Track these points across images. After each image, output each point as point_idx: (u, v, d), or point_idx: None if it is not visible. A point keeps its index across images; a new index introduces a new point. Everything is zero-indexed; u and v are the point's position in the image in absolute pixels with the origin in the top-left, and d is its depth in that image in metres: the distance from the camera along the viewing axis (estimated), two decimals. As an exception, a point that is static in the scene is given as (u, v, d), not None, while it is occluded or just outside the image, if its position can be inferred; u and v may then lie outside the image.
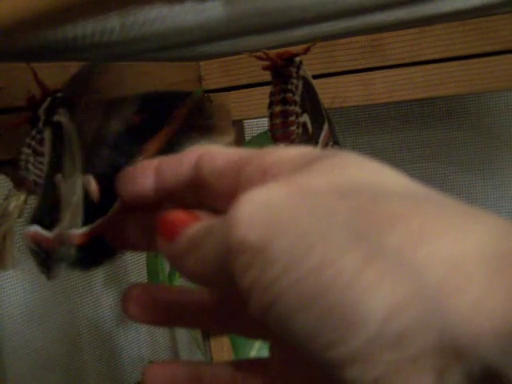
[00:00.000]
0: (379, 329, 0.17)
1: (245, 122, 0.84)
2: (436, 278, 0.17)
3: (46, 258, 0.45)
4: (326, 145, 0.64)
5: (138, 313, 0.26)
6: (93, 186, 0.47)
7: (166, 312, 0.27)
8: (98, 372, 0.79)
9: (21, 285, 0.68)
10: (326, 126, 0.65)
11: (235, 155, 0.24)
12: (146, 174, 0.26)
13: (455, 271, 0.17)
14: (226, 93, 0.77)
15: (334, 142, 0.67)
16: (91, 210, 0.46)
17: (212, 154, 0.24)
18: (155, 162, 0.26)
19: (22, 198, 0.50)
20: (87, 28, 0.44)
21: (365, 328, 0.17)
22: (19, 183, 0.49)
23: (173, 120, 0.46)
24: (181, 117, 0.46)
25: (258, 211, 0.19)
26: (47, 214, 0.45)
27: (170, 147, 0.46)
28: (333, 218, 0.18)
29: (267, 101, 0.61)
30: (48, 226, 0.45)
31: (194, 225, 0.23)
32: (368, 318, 0.17)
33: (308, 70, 0.62)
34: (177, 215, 0.24)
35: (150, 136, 0.46)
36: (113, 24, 0.45)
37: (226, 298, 0.27)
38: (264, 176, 0.22)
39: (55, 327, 0.73)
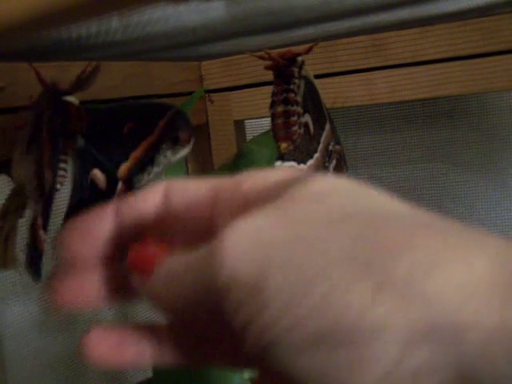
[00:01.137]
0: (394, 365, 0.16)
1: (246, 121, 0.84)
2: (451, 309, 0.16)
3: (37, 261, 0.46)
4: (327, 145, 0.64)
5: (104, 355, 0.23)
6: (100, 177, 0.49)
7: (137, 351, 0.24)
8: (100, 372, 0.79)
9: (23, 286, 0.68)
10: (327, 126, 0.64)
11: (206, 185, 0.22)
12: (105, 219, 0.24)
13: (469, 301, 0.16)
14: (227, 93, 0.77)
15: (336, 142, 0.66)
16: (101, 199, 0.48)
17: (180, 187, 0.23)
18: (112, 205, 0.24)
19: (24, 198, 0.50)
20: (91, 28, 0.44)
21: (378, 365, 0.16)
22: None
23: (154, 131, 0.49)
24: (160, 129, 0.49)
25: (247, 243, 0.18)
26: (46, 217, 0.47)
27: (147, 157, 0.49)
28: (331, 248, 0.17)
29: (268, 101, 0.61)
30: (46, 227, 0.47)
31: (171, 258, 0.21)
32: (382, 355, 0.16)
33: (310, 70, 0.62)
34: (150, 249, 0.22)
35: (135, 144, 0.49)
36: (117, 24, 0.44)
37: (209, 331, 0.24)
38: (244, 205, 0.20)
39: (56, 327, 0.73)
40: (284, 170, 0.21)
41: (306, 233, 0.18)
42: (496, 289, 0.16)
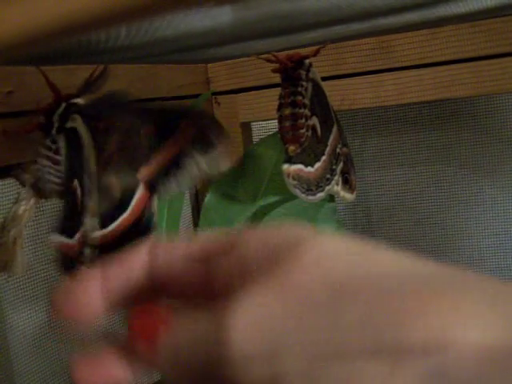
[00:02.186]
0: None
1: (252, 124, 0.84)
2: (471, 374, 0.15)
3: (72, 266, 0.46)
4: (334, 147, 0.64)
5: None
6: (115, 185, 0.48)
7: None
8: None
9: (30, 293, 0.68)
10: (334, 129, 0.64)
11: (194, 245, 0.22)
12: (93, 289, 0.23)
13: (488, 364, 0.15)
14: (234, 95, 0.77)
15: (343, 144, 0.66)
16: (111, 211, 0.47)
17: (167, 248, 0.22)
18: (98, 272, 0.23)
19: (32, 201, 0.50)
20: (101, 33, 0.44)
21: None
22: (38, 193, 0.49)
23: (178, 134, 0.47)
24: (185, 133, 0.48)
25: (256, 324, 0.17)
26: (68, 222, 0.46)
27: (172, 161, 0.48)
28: (341, 321, 0.16)
29: (275, 103, 0.61)
30: (70, 233, 0.46)
31: (176, 327, 0.20)
32: None
33: (317, 72, 0.62)
34: (151, 314, 0.21)
35: (156, 147, 0.47)
36: (128, 29, 0.44)
37: None
38: (241, 271, 0.20)
39: (63, 334, 0.73)
40: (280, 228, 0.20)
41: (312, 306, 0.17)
42: None
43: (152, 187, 0.48)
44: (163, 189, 0.48)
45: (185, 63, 0.74)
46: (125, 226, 0.46)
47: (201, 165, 0.47)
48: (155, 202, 0.48)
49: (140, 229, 0.47)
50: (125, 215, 0.47)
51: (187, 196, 0.86)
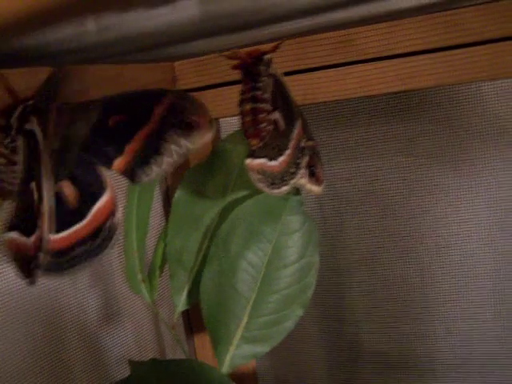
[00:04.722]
0: None
1: (220, 120, 0.85)
2: None
3: (25, 264, 0.46)
4: (298, 141, 0.65)
5: None
6: (70, 190, 0.48)
7: None
8: (85, 372, 0.80)
9: (5, 287, 0.69)
10: (298, 123, 0.65)
11: None
12: None
13: None
14: (201, 92, 0.78)
15: (308, 138, 0.67)
16: (68, 215, 0.47)
17: None
18: None
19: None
20: (61, 33, 0.44)
21: None
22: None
23: (150, 119, 0.47)
24: (158, 116, 0.47)
25: None
26: (25, 221, 0.47)
27: (150, 147, 0.47)
28: None
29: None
30: (27, 232, 0.46)
31: None
32: None
33: (279, 67, 0.63)
34: None
35: (128, 136, 0.47)
36: (88, 28, 0.45)
37: None
38: None
39: (41, 329, 0.74)
40: None
41: None
42: None
43: (131, 177, 0.48)
44: (144, 177, 0.48)
45: (151, 62, 0.75)
46: (80, 234, 0.47)
47: (181, 145, 0.46)
48: (119, 211, 0.48)
49: (99, 239, 0.48)
50: (81, 223, 0.47)
51: (158, 192, 0.86)
